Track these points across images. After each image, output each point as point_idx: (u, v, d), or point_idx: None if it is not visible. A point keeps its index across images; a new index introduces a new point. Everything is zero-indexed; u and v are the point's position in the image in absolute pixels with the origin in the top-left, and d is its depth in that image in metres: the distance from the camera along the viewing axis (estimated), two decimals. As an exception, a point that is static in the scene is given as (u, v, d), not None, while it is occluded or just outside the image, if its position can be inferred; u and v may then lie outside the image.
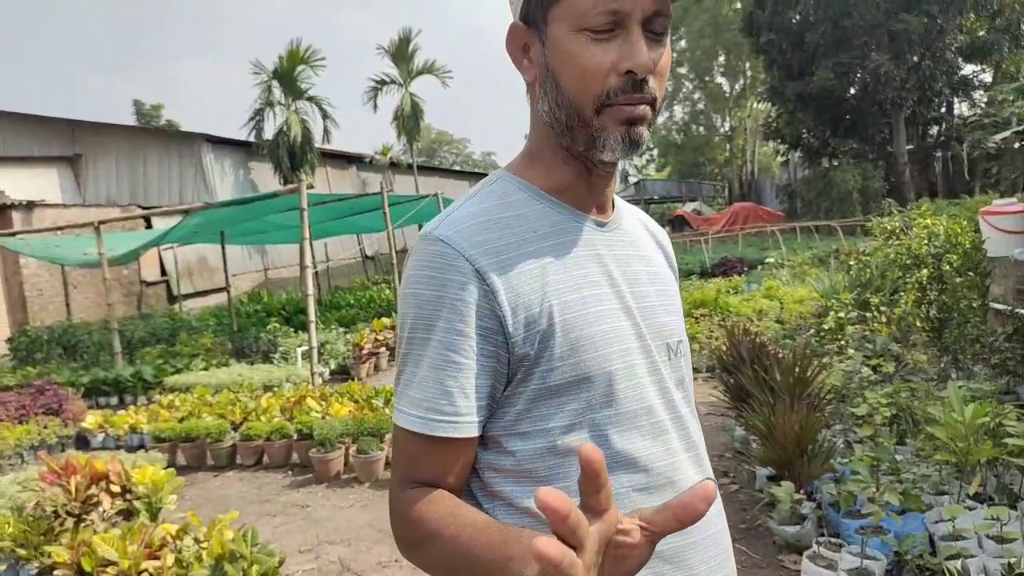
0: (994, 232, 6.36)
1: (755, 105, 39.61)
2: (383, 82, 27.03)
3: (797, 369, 4.31)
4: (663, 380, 0.91)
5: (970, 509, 3.41)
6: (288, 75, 20.69)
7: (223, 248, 12.32)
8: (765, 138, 35.36)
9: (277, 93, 20.95)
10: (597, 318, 0.88)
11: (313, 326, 7.93)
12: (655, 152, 54.57)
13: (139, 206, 17.44)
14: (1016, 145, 16.87)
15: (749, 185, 40.11)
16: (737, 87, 40.13)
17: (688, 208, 34.87)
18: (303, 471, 5.67)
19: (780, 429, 3.69)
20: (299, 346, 9.33)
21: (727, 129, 41.99)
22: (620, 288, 0.91)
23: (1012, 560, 2.90)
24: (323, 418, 5.91)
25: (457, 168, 47.71)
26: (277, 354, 9.54)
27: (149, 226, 15.63)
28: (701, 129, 43.05)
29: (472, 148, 75.07)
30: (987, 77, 27.88)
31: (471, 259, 0.85)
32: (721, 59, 38.82)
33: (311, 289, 8.12)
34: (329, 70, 22.05)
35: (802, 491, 3.74)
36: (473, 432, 0.86)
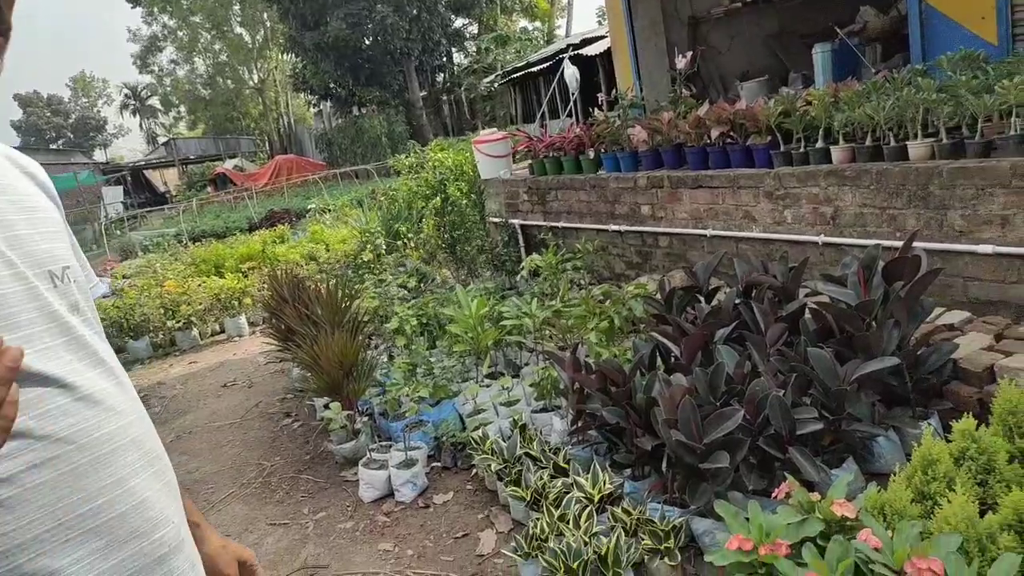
0: (484, 158, 7.45)
1: (281, 56, 39.19)
2: None
3: (334, 299, 4.54)
4: (49, 306, 0.90)
5: (486, 387, 4.07)
6: None
7: None
8: (295, 90, 35.42)
9: None
10: None
11: None
12: (183, 109, 50.52)
13: None
14: (497, 85, 20.04)
15: (288, 137, 39.86)
16: (259, 38, 39.00)
17: (228, 165, 33.34)
18: None
19: (325, 357, 3.86)
20: None
21: (256, 81, 40.76)
22: None
23: (516, 417, 3.57)
24: None
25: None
26: None
27: None
28: (229, 82, 41.01)
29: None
30: (475, 29, 32.19)
31: None
32: (237, 8, 37.17)
33: None
34: None
35: (354, 409, 4.01)
36: None
